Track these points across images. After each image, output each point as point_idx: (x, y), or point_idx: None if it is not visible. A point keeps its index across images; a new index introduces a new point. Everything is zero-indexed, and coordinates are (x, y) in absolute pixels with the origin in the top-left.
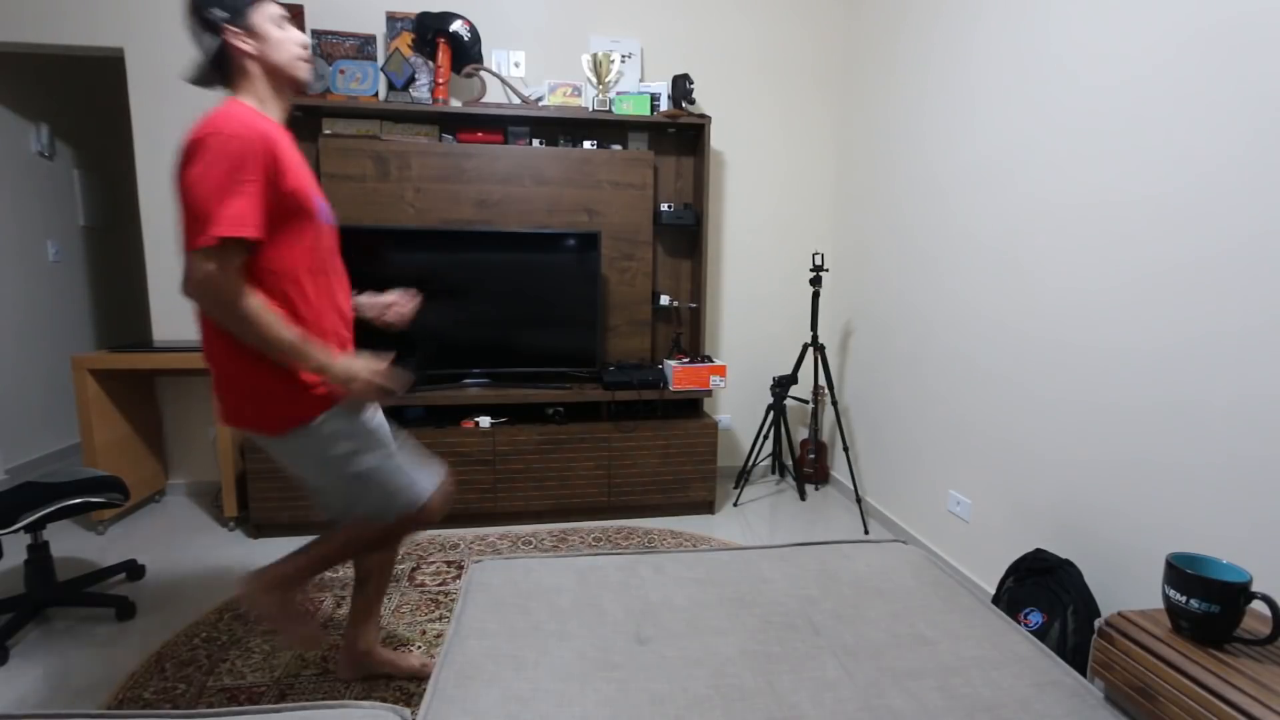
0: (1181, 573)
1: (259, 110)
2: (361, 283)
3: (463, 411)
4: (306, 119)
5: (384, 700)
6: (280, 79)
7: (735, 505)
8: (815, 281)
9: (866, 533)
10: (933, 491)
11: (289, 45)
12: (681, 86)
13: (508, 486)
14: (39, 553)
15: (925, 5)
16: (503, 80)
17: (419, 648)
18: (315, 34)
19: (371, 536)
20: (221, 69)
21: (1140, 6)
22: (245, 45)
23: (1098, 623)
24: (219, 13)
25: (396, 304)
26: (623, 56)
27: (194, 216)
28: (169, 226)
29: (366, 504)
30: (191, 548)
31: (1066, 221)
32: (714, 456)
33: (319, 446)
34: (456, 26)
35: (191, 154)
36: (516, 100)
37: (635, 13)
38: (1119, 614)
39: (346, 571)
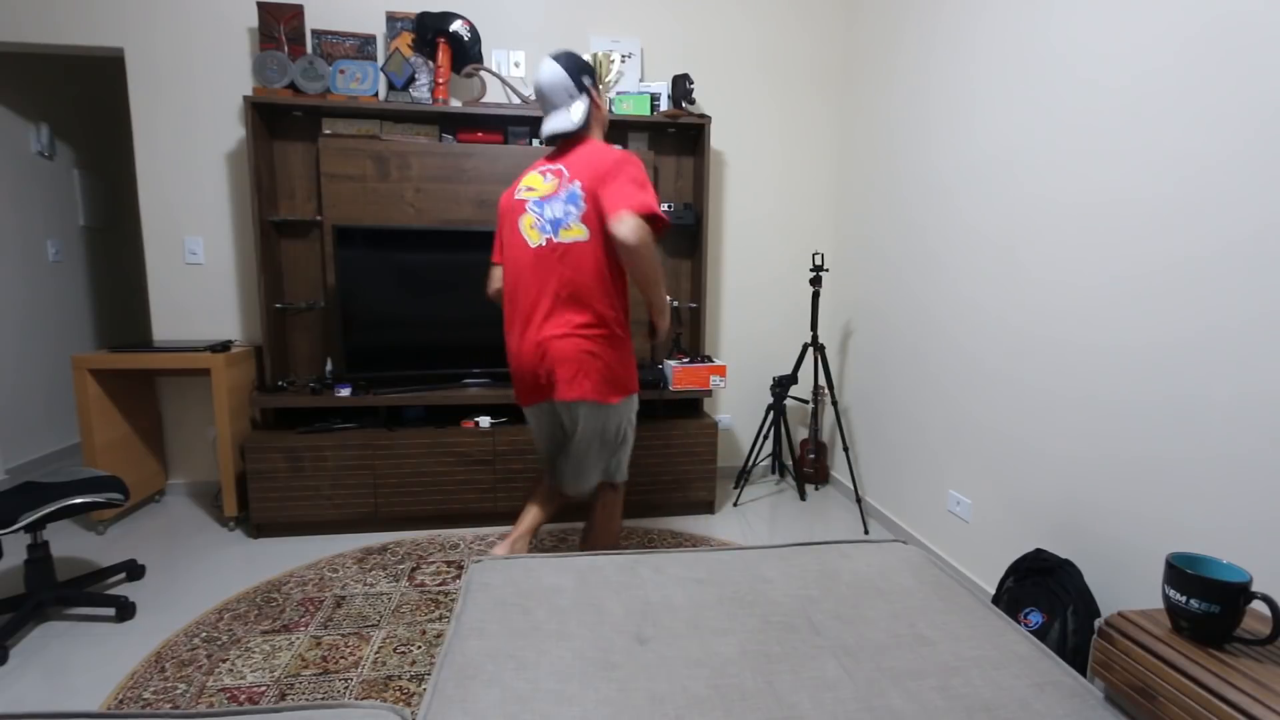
0: (1181, 573)
1: None
2: (362, 281)
3: (463, 411)
4: (306, 119)
5: (384, 700)
6: (605, 126)
7: (735, 505)
8: (815, 281)
9: (866, 533)
10: (933, 491)
11: (604, 103)
12: (681, 86)
13: (508, 486)
14: (39, 553)
15: (925, 4)
16: (503, 80)
17: (419, 648)
18: (315, 34)
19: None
20: (585, 119)
21: (1140, 5)
22: (599, 101)
23: (1098, 623)
24: (589, 80)
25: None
26: (623, 56)
27: (638, 191)
28: (169, 226)
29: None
30: (191, 548)
31: (1067, 220)
32: (714, 456)
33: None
34: (456, 26)
35: (623, 163)
36: (516, 100)
37: (635, 13)
38: (1119, 614)
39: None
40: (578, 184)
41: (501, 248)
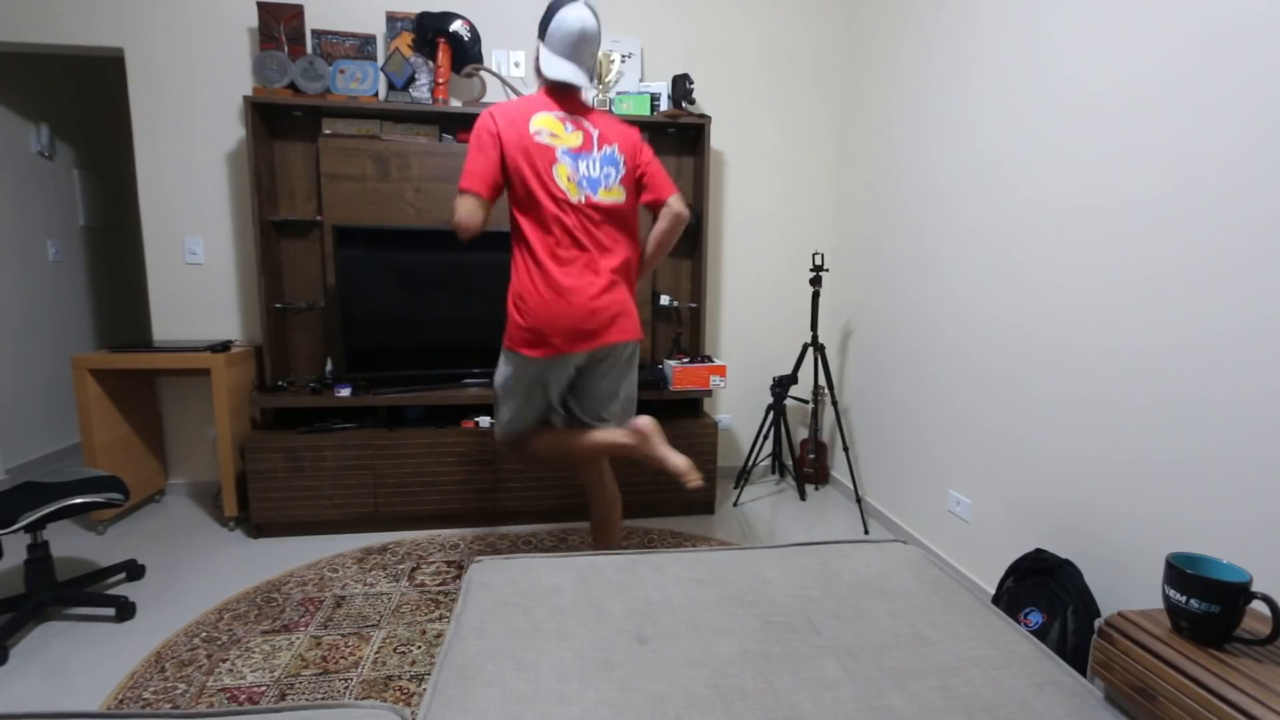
0: (1181, 573)
1: None
2: (362, 281)
3: (463, 411)
4: (306, 119)
5: (384, 700)
6: None
7: (735, 505)
8: (815, 281)
9: (866, 533)
10: (933, 491)
11: None
12: (681, 86)
13: (508, 486)
14: (39, 553)
15: (925, 5)
16: (503, 80)
17: (419, 648)
18: (315, 34)
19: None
20: None
21: (1140, 8)
22: None
23: (1098, 623)
24: None
25: None
26: (623, 56)
27: (668, 179)
28: (169, 226)
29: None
30: (191, 548)
31: (1066, 221)
32: (714, 456)
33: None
34: (456, 26)
35: (647, 142)
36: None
37: (635, 13)
38: (1119, 614)
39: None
40: (614, 148)
41: (491, 184)
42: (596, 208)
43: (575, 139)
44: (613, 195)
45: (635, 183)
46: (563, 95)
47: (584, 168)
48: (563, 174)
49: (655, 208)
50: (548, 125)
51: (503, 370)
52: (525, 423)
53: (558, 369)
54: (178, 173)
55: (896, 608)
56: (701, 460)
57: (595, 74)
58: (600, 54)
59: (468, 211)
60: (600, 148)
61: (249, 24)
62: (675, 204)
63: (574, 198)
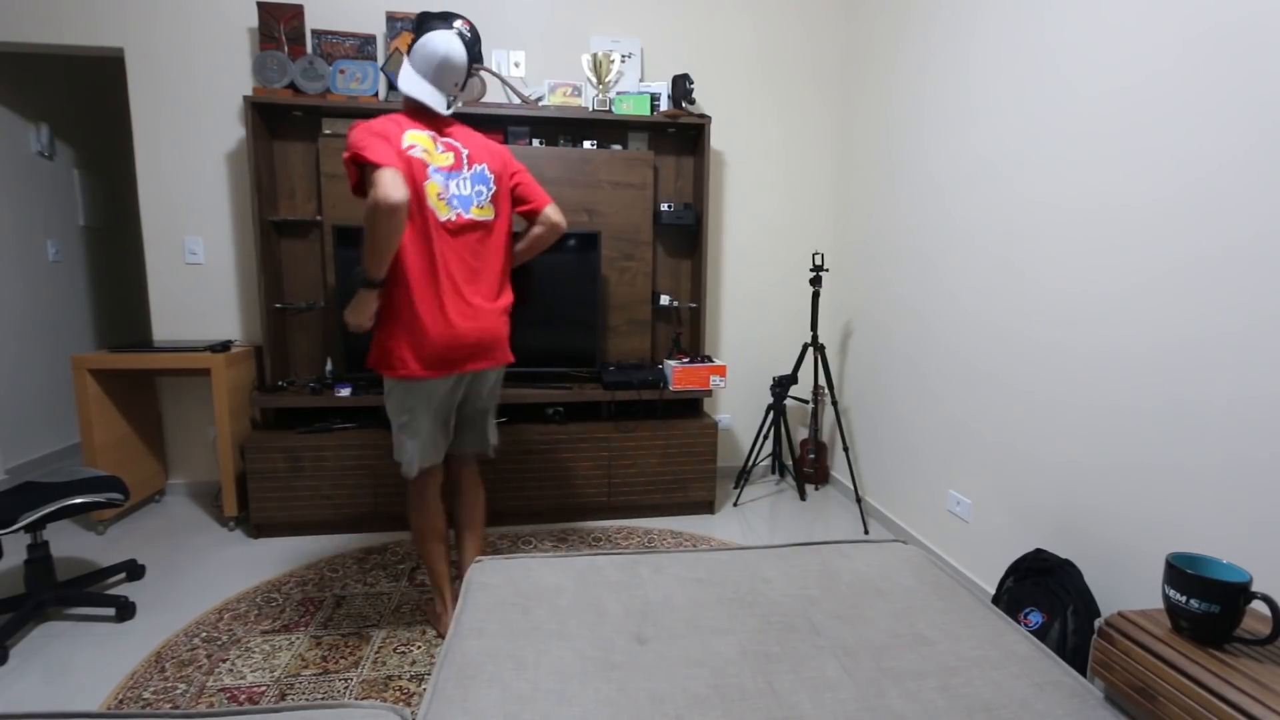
0: (1181, 573)
1: None
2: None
3: None
4: (306, 119)
5: (384, 700)
6: None
7: (735, 505)
8: (815, 281)
9: (866, 533)
10: (932, 491)
11: None
12: (681, 86)
13: (508, 486)
14: (39, 552)
15: (924, 7)
16: (503, 80)
17: (419, 648)
18: (315, 34)
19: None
20: None
21: (1138, 10)
22: None
23: (1098, 623)
24: None
25: None
26: (623, 56)
27: (542, 190)
28: (169, 226)
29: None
30: (191, 548)
31: (1064, 224)
32: (714, 456)
33: None
34: (457, 26)
35: (514, 157)
36: (516, 100)
37: (635, 13)
38: (1119, 614)
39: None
40: (484, 167)
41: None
42: (468, 225)
43: (446, 159)
44: (484, 212)
45: (510, 197)
46: (425, 114)
47: (454, 186)
48: (433, 191)
49: (532, 217)
50: (420, 141)
51: (392, 398)
52: (427, 454)
53: (439, 389)
54: (178, 173)
55: (896, 608)
56: (702, 460)
57: (456, 97)
58: (600, 54)
59: (395, 182)
60: (470, 166)
61: (249, 24)
62: (552, 213)
63: (442, 216)
